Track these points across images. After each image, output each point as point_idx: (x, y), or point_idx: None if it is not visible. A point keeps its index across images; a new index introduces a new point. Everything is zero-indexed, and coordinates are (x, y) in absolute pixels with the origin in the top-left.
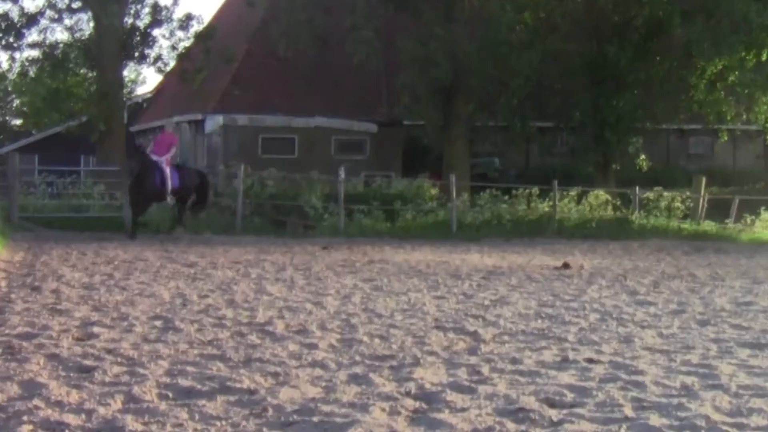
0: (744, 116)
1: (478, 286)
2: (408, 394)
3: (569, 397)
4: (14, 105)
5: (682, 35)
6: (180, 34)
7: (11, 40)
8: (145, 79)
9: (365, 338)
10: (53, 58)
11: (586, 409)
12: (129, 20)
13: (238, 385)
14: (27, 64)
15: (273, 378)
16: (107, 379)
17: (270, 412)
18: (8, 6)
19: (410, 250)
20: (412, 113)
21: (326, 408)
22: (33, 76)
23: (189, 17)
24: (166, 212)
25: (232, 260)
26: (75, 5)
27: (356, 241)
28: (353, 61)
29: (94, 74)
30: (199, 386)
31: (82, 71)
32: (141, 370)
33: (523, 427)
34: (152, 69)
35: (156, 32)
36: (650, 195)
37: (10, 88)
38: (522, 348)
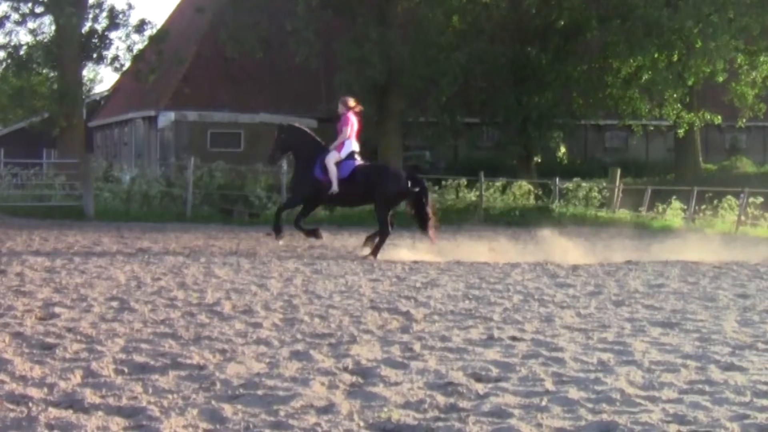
0: (656, 112)
1: (410, 270)
2: (345, 369)
3: (494, 372)
4: None
5: (599, 37)
6: (135, 37)
7: None
8: (102, 79)
9: (306, 318)
10: (18, 59)
11: (510, 383)
12: (88, 24)
13: (188, 361)
14: None
15: (221, 354)
16: (67, 356)
17: (218, 386)
18: None
19: (347, 237)
20: None
21: (270, 382)
22: None
23: (143, 22)
24: None
25: (183, 245)
26: (37, 9)
27: None
28: (295, 61)
29: (56, 74)
30: (152, 362)
31: (44, 71)
32: (99, 347)
33: (451, 400)
34: (109, 69)
35: (113, 35)
36: (569, 185)
37: None
38: (451, 327)
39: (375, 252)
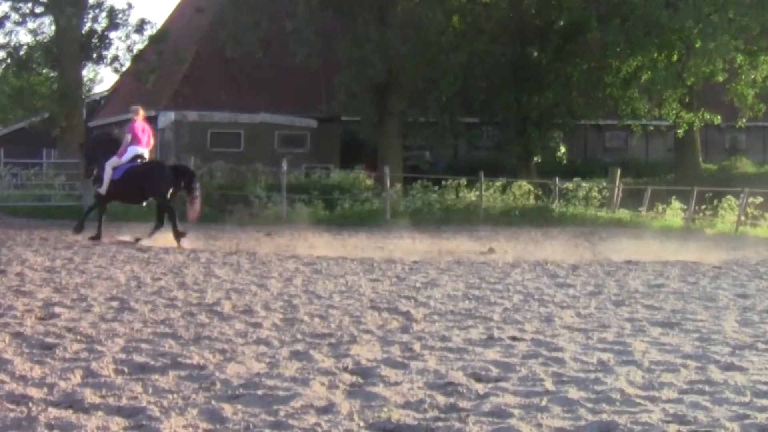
0: (656, 112)
1: (410, 270)
2: (345, 369)
3: (494, 372)
4: None
5: (599, 37)
6: (135, 37)
7: None
8: (102, 79)
9: (306, 318)
10: (18, 59)
11: (510, 383)
12: (88, 23)
13: (188, 361)
14: None
15: (221, 354)
16: (67, 356)
17: (218, 385)
18: None
19: (347, 237)
20: (348, 109)
21: (270, 382)
22: None
23: (143, 21)
24: None
25: (183, 245)
26: (37, 10)
27: (298, 228)
28: (295, 61)
29: (56, 74)
30: (152, 362)
31: (44, 71)
32: (99, 347)
33: (451, 400)
34: (109, 69)
35: (113, 35)
36: (569, 185)
37: None
38: (451, 327)
39: (150, 235)
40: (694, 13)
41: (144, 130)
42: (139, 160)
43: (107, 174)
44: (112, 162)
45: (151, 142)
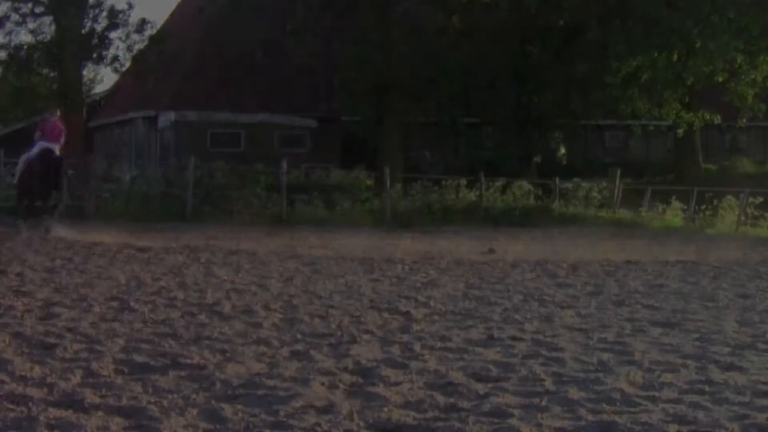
0: (656, 112)
1: (410, 270)
2: (345, 369)
3: (494, 372)
4: None
5: (599, 37)
6: (135, 37)
7: None
8: (102, 79)
9: (306, 318)
10: (18, 59)
11: (510, 383)
12: (88, 23)
13: (188, 361)
14: None
15: (221, 354)
16: (68, 356)
17: (218, 385)
18: None
19: (347, 237)
20: (348, 109)
21: (270, 382)
22: None
23: (144, 22)
24: None
25: (183, 245)
26: (38, 10)
27: (298, 228)
28: (295, 61)
29: (56, 74)
30: (152, 362)
31: (44, 71)
32: (99, 347)
33: (451, 400)
34: (109, 69)
35: (113, 35)
36: (569, 185)
37: None
38: (451, 327)
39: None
40: (694, 13)
41: (55, 129)
42: (51, 155)
43: (19, 167)
44: (24, 156)
45: (62, 140)
